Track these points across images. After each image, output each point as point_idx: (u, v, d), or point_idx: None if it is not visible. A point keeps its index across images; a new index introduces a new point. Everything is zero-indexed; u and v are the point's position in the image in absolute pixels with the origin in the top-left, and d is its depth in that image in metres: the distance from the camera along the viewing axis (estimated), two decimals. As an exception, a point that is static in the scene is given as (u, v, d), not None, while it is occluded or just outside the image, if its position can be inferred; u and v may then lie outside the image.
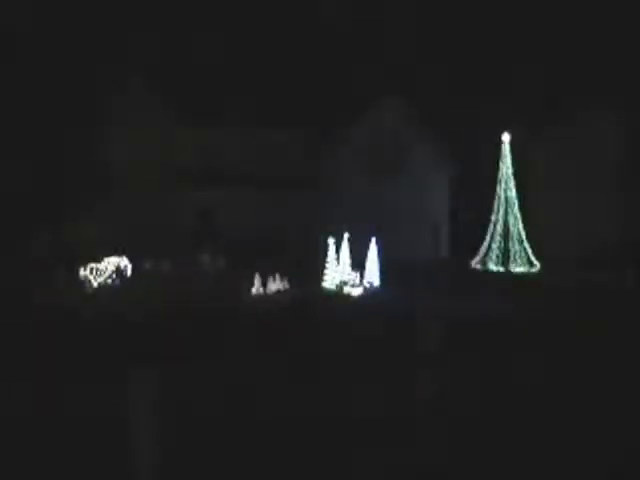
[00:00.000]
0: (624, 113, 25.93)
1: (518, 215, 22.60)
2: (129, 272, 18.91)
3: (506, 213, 22.59)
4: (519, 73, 27.73)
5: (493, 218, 22.79)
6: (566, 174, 26.76)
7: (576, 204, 26.24)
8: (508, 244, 22.30)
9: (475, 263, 22.86)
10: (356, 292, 17.89)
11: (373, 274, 19.28)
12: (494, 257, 22.41)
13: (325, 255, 18.70)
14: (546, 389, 8.98)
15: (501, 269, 22.06)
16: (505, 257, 22.24)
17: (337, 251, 18.80)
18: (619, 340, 12.00)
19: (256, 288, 17.05)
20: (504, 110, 26.49)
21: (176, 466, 6.36)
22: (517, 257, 22.13)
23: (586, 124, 26.23)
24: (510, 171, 22.90)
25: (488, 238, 22.73)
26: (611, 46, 26.25)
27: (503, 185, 22.93)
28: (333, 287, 18.29)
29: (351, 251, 19.06)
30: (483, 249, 22.83)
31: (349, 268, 18.87)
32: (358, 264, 19.16)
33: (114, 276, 18.27)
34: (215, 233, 25.34)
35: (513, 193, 22.75)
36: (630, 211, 25.32)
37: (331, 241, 18.71)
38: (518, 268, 21.94)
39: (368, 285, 18.87)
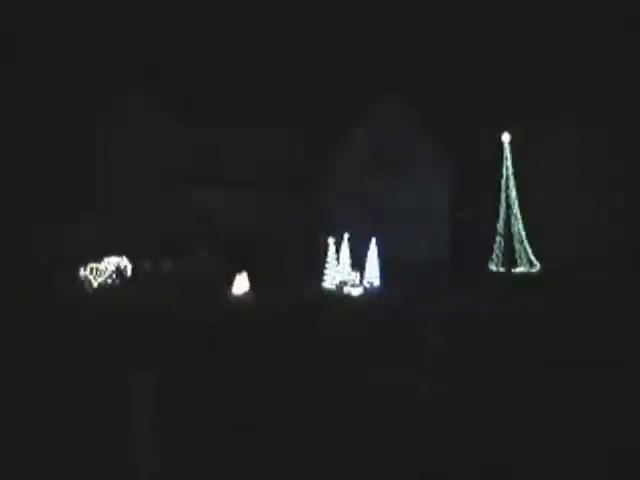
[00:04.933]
0: (624, 113, 25.92)
1: (518, 215, 22.60)
2: (129, 272, 18.93)
3: (506, 213, 22.59)
4: (519, 73, 27.73)
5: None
6: (566, 174, 26.78)
7: (576, 204, 26.24)
8: (509, 244, 22.30)
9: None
10: (356, 292, 17.89)
11: (373, 274, 19.28)
12: (494, 257, 22.43)
13: (325, 255, 18.71)
14: (546, 389, 8.98)
15: (501, 269, 22.07)
16: (506, 257, 22.24)
17: (337, 251, 18.80)
18: (619, 340, 11.99)
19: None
20: (504, 110, 26.49)
21: (177, 467, 6.36)
22: (517, 257, 22.13)
23: (586, 124, 26.24)
24: (510, 171, 22.91)
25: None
26: (611, 46, 26.25)
27: (503, 185, 22.93)
28: (333, 287, 18.30)
29: (351, 251, 19.06)
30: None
31: (349, 268, 18.88)
32: (358, 264, 19.16)
33: (114, 276, 18.28)
34: (215, 233, 25.35)
35: (513, 193, 22.75)
36: (630, 211, 25.31)
37: (331, 241, 18.71)
38: (518, 268, 21.94)
39: (368, 285, 18.87)
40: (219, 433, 7.27)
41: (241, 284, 17.42)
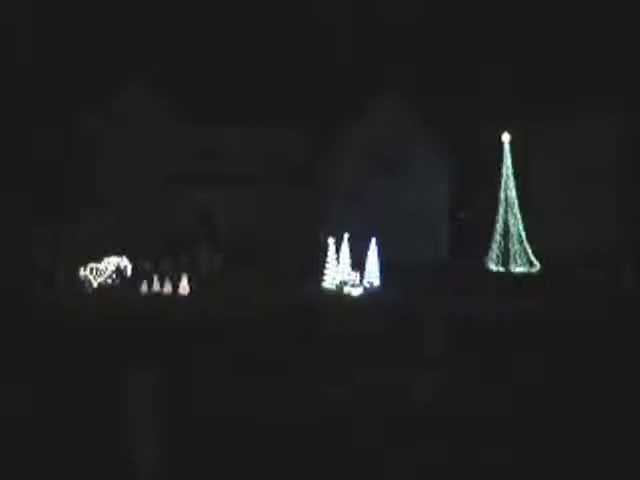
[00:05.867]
0: (624, 113, 25.92)
1: (518, 215, 22.58)
2: (129, 272, 18.92)
3: (506, 213, 22.58)
4: (519, 73, 27.72)
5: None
6: (566, 174, 26.77)
7: (576, 204, 26.23)
8: (508, 244, 22.29)
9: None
10: (356, 292, 17.89)
11: (373, 274, 19.28)
12: (494, 257, 22.41)
13: (325, 255, 18.71)
14: (546, 390, 8.98)
15: (501, 269, 22.06)
16: (505, 257, 22.23)
17: (337, 251, 18.80)
18: (619, 340, 11.99)
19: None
20: (504, 110, 26.48)
21: (177, 466, 6.36)
22: (517, 257, 22.12)
23: (586, 124, 26.22)
24: (510, 171, 22.89)
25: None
26: (610, 46, 26.24)
27: (503, 185, 22.91)
28: (333, 287, 18.30)
29: (351, 251, 19.06)
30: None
31: (349, 268, 18.87)
32: (358, 264, 19.16)
33: (114, 276, 18.28)
34: (214, 233, 25.36)
35: (513, 193, 22.74)
36: (630, 211, 25.31)
37: (331, 241, 18.71)
38: (518, 268, 21.93)
39: (368, 285, 18.87)
40: (219, 433, 7.28)
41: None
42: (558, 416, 7.95)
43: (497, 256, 22.38)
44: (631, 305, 15.87)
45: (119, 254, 18.84)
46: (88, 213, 24.18)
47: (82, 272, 17.72)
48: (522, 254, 22.22)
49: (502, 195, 22.86)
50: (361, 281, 18.87)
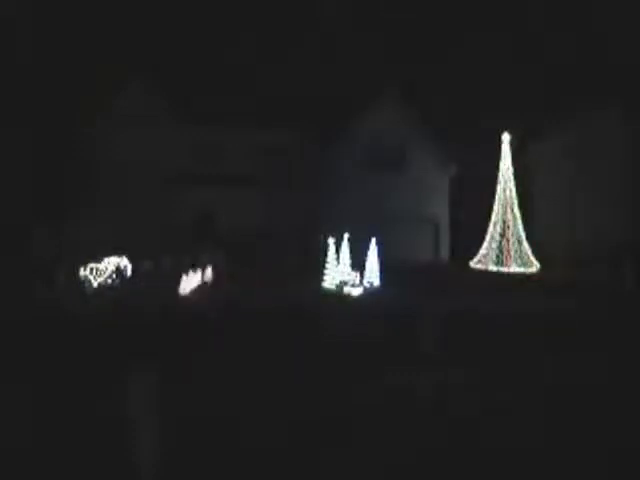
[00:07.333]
0: (625, 113, 25.95)
1: (518, 215, 22.63)
2: (129, 272, 18.93)
3: (506, 213, 22.62)
4: (519, 73, 27.74)
5: (493, 218, 22.85)
6: (566, 174, 26.81)
7: (576, 204, 26.28)
8: (508, 244, 22.34)
9: (474, 263, 22.94)
10: (356, 292, 17.89)
11: (373, 274, 19.30)
12: (494, 257, 22.46)
13: (325, 255, 18.73)
14: (546, 390, 8.99)
15: (501, 269, 22.10)
16: (505, 257, 22.28)
17: (337, 251, 18.82)
18: (618, 341, 12.00)
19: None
20: (504, 110, 26.52)
21: (177, 466, 6.37)
22: (517, 257, 22.16)
23: (587, 124, 26.27)
24: (510, 171, 22.94)
25: (488, 238, 22.81)
26: (612, 45, 26.28)
27: (503, 185, 22.95)
28: (333, 287, 18.31)
29: (351, 251, 19.08)
30: (483, 249, 22.94)
31: (349, 268, 18.89)
32: (358, 264, 19.18)
33: (114, 276, 18.28)
34: (214, 233, 25.38)
35: (513, 193, 22.78)
36: (631, 211, 25.34)
37: (331, 241, 18.72)
38: (518, 268, 21.96)
39: (368, 285, 18.88)
40: (220, 433, 7.28)
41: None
42: (558, 417, 7.96)
43: (497, 256, 22.44)
44: (632, 305, 15.88)
45: (119, 254, 18.85)
46: (88, 213, 24.20)
47: (82, 272, 17.71)
48: (522, 254, 22.27)
49: (502, 195, 22.91)
50: (361, 281, 18.88)
